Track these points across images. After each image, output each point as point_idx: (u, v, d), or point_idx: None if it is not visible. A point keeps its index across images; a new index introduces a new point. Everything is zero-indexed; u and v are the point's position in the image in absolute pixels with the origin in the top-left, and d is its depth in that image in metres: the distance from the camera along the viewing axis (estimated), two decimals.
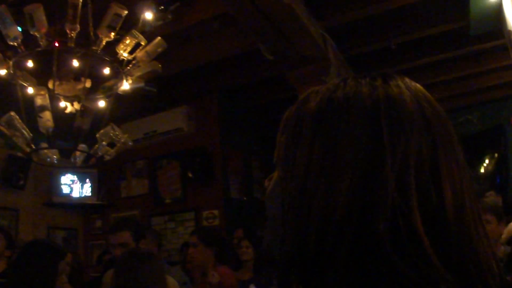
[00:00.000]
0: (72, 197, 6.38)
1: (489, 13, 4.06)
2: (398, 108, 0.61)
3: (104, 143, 3.26)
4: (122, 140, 3.32)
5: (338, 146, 0.60)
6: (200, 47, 4.66)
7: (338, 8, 4.13)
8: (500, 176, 6.72)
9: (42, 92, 2.98)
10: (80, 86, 3.14)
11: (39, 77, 3.11)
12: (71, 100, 3.17)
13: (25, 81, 3.04)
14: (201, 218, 5.86)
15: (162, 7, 3.37)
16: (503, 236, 3.00)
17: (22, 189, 5.78)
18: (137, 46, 3.08)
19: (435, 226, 0.57)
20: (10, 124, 2.97)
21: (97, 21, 2.89)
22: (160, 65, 3.21)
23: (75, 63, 3.11)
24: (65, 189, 6.32)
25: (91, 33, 2.92)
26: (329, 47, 4.03)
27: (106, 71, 3.21)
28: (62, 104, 3.18)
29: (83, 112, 3.04)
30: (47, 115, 2.97)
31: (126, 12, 2.85)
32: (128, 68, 3.12)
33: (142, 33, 3.08)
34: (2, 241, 3.51)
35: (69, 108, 3.17)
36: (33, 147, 3.08)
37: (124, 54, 3.03)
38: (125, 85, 3.18)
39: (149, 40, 3.10)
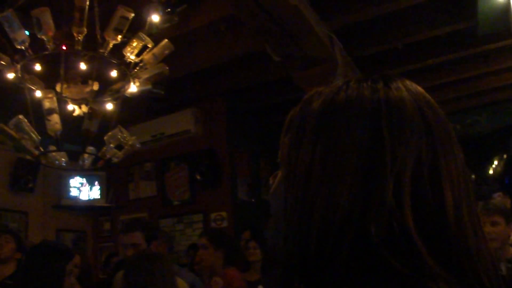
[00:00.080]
0: (80, 199, 6.42)
1: (497, 13, 4.04)
2: (398, 111, 0.62)
3: (112, 145, 3.27)
4: (130, 143, 3.33)
5: (340, 148, 0.61)
6: (206, 49, 4.67)
7: (345, 9, 4.12)
8: (508, 177, 6.69)
9: (50, 95, 2.99)
10: (87, 89, 3.16)
11: (47, 80, 3.12)
12: (78, 103, 3.18)
13: (33, 84, 3.05)
14: (209, 220, 5.87)
15: (169, 9, 3.37)
16: None
17: (31, 192, 5.82)
18: (144, 48, 3.08)
19: (435, 227, 0.57)
20: (18, 127, 2.99)
21: (104, 24, 2.89)
22: (167, 67, 3.21)
23: (83, 66, 3.12)
24: (74, 192, 6.36)
25: (98, 36, 2.93)
26: (336, 48, 4.02)
27: (114, 73, 3.22)
28: (70, 107, 3.20)
29: (90, 114, 3.05)
30: (55, 118, 2.98)
31: (132, 14, 2.86)
32: (135, 70, 3.13)
33: (149, 35, 3.08)
34: (12, 244, 3.53)
35: (77, 111, 3.18)
36: (42, 150, 3.09)
37: (131, 57, 3.04)
38: (133, 88, 3.19)
39: (156, 42, 3.10)
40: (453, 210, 0.59)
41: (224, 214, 5.79)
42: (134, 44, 3.01)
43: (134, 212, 6.39)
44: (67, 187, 6.30)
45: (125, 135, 3.30)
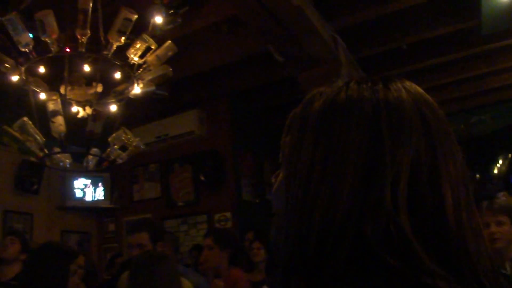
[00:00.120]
0: (85, 201, 6.43)
1: (501, 12, 4.03)
2: (397, 112, 0.63)
3: (116, 147, 3.28)
4: (134, 144, 3.33)
5: (340, 149, 0.62)
6: (210, 50, 4.68)
7: (348, 9, 4.12)
8: None
9: (54, 97, 3.00)
10: (91, 91, 3.16)
11: (51, 83, 3.13)
12: (83, 104, 3.19)
13: (37, 86, 3.06)
14: (214, 220, 5.87)
15: (172, 10, 3.38)
16: None
17: (36, 193, 5.84)
18: (147, 50, 3.08)
19: (434, 227, 0.58)
20: (23, 130, 3.00)
21: (107, 26, 2.90)
22: (171, 69, 3.21)
23: (86, 68, 3.13)
24: (78, 193, 6.37)
25: (102, 38, 2.94)
26: (339, 48, 4.01)
27: (117, 75, 3.23)
28: (74, 109, 3.20)
29: (95, 116, 3.05)
30: (59, 120, 2.98)
31: (136, 16, 2.86)
32: (139, 72, 3.13)
33: (152, 37, 3.08)
34: (17, 245, 3.55)
35: (81, 113, 3.19)
36: (46, 151, 3.10)
37: (134, 58, 3.04)
38: (136, 89, 3.20)
39: (160, 44, 3.11)
40: (452, 211, 0.59)
41: (228, 214, 5.79)
42: (138, 45, 3.02)
43: (139, 213, 6.40)
44: (71, 188, 6.32)
45: (129, 136, 3.31)
